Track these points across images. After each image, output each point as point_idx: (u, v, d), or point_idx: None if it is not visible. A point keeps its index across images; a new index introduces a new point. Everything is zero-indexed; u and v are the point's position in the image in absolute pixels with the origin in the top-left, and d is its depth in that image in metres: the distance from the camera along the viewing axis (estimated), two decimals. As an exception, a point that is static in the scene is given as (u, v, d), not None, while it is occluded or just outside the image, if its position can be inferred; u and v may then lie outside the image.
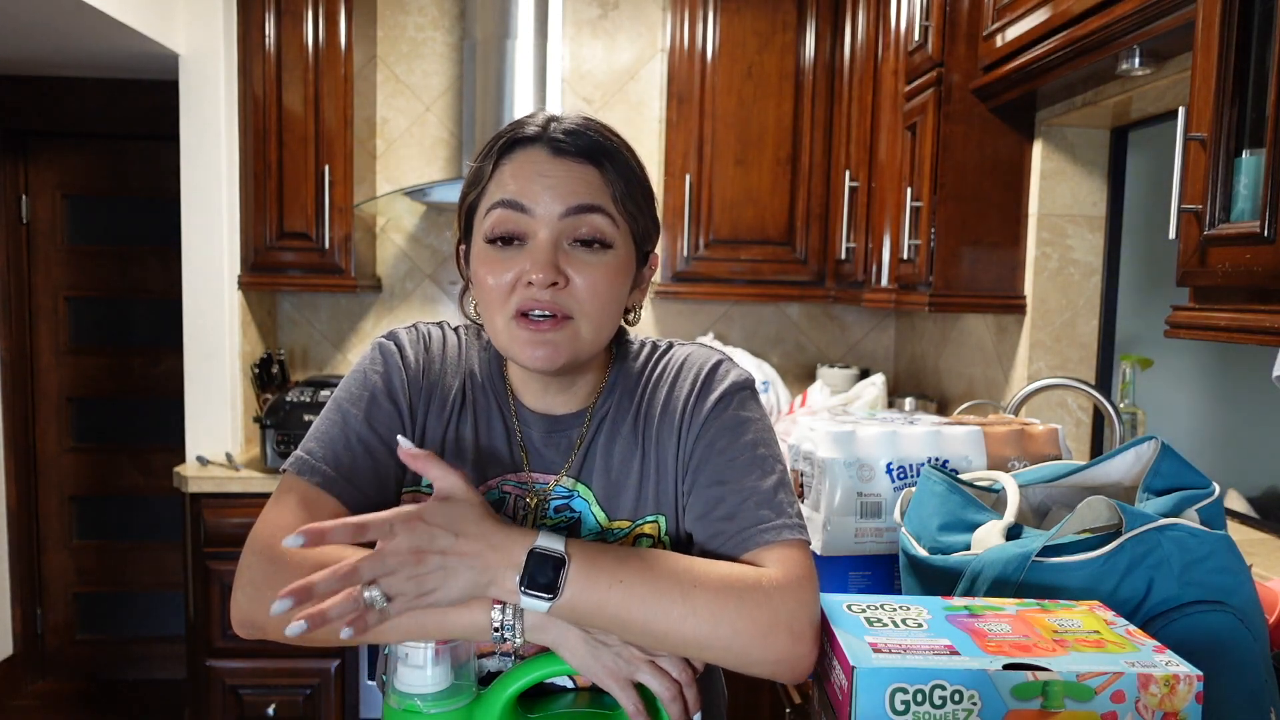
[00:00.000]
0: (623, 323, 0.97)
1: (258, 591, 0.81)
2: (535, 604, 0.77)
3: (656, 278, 2.58)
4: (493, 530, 0.78)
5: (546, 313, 0.85)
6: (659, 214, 0.97)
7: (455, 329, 1.01)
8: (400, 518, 0.76)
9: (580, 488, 0.94)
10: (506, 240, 0.86)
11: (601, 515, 0.93)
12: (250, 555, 0.84)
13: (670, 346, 1.00)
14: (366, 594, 0.74)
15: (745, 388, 0.94)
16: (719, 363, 0.96)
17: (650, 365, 0.98)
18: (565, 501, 0.93)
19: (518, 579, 0.76)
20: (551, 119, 0.88)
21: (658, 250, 0.99)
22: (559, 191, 0.85)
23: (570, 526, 0.93)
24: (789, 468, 1.06)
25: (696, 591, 0.78)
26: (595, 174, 0.86)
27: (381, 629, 0.78)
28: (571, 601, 0.77)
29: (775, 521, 0.85)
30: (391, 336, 0.97)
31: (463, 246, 0.95)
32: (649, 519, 0.93)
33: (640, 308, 0.99)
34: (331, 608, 0.73)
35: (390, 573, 0.74)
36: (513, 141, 0.88)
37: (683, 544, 0.93)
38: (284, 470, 0.90)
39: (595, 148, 0.87)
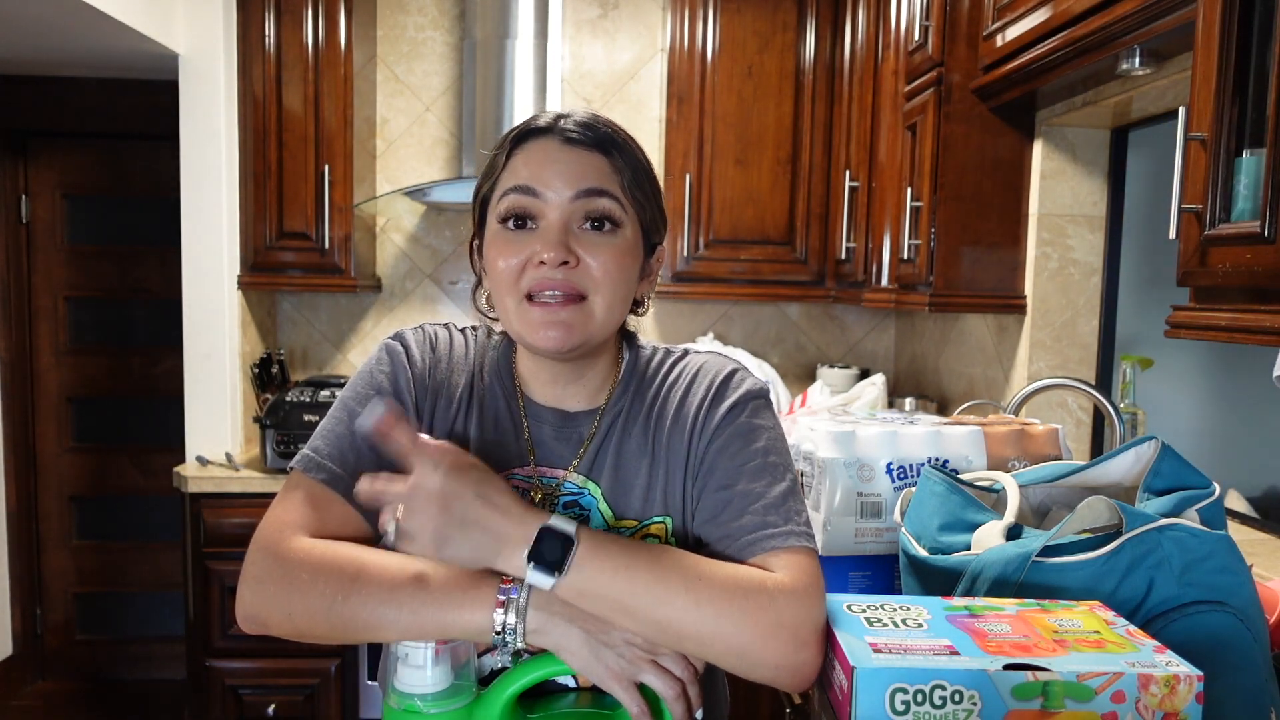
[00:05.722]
0: (632, 315, 0.98)
1: (262, 587, 0.82)
2: (540, 579, 0.77)
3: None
4: (513, 503, 0.80)
5: (558, 292, 0.86)
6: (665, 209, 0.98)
7: (462, 330, 1.02)
8: (448, 460, 0.77)
9: (590, 485, 0.94)
10: (520, 223, 0.88)
11: (609, 513, 0.93)
12: (256, 551, 0.85)
13: (685, 353, 1.01)
14: (384, 520, 0.77)
15: (759, 396, 0.95)
16: (734, 371, 0.97)
17: (664, 369, 0.99)
18: (575, 498, 0.94)
19: (525, 553, 0.77)
20: (561, 115, 0.91)
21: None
22: (569, 176, 0.87)
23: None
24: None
25: (701, 585, 0.79)
26: (604, 161, 0.89)
27: (381, 628, 0.79)
28: (576, 582, 0.77)
29: (783, 528, 0.86)
30: (398, 337, 0.99)
31: (476, 240, 0.97)
32: (656, 519, 0.93)
33: (649, 299, 1.00)
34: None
35: (413, 512, 0.76)
36: (525, 133, 0.91)
37: (690, 546, 0.93)
38: (291, 468, 0.91)
39: (604, 138, 0.90)
